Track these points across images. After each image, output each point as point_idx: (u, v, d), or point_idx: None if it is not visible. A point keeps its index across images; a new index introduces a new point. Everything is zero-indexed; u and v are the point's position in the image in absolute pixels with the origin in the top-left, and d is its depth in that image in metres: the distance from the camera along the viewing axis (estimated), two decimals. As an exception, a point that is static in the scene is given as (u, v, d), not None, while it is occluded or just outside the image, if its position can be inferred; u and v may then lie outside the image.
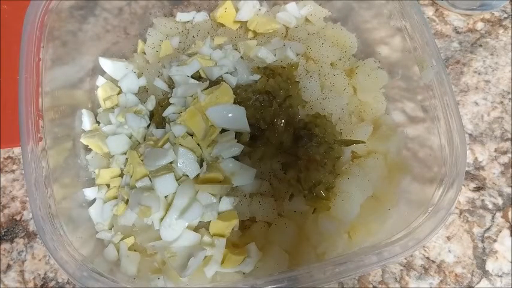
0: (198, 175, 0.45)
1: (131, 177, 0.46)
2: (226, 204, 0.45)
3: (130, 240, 0.45)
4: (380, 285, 0.48)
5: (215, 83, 0.49)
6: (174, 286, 0.42)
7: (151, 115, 0.51)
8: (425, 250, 0.49)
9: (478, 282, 0.48)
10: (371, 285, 0.47)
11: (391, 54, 0.52)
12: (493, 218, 0.51)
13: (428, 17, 0.63)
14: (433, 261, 0.49)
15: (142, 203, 0.44)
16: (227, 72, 0.49)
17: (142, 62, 0.55)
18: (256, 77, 0.49)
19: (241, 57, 0.51)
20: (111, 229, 0.47)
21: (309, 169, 0.46)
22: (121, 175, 0.49)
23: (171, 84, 0.51)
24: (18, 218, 0.51)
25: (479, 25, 0.63)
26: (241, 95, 0.47)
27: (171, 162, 0.45)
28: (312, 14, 0.56)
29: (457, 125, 0.43)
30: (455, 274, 0.48)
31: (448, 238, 0.50)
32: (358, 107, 0.52)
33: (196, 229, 0.45)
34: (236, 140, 0.46)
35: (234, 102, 0.47)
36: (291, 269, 0.42)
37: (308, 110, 0.49)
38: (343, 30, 0.55)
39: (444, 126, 0.43)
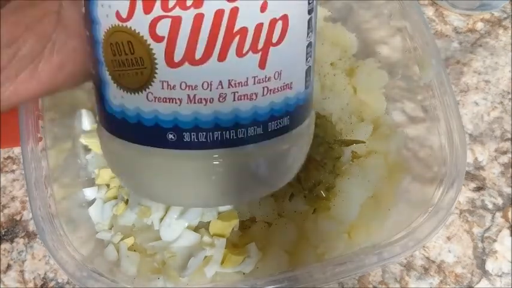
0: (198, 175, 0.45)
1: (131, 177, 0.46)
2: (226, 204, 0.45)
3: (130, 240, 0.45)
4: (380, 285, 0.48)
5: (215, 83, 0.48)
6: (174, 286, 0.42)
7: (151, 115, 0.51)
8: (425, 250, 0.49)
9: (478, 282, 0.48)
10: (371, 285, 0.47)
11: (391, 54, 0.52)
12: (493, 218, 0.51)
13: (428, 17, 0.63)
14: (433, 261, 0.49)
15: (142, 203, 0.44)
16: (227, 72, 0.49)
17: (142, 62, 0.55)
18: (256, 77, 0.49)
19: (241, 57, 0.51)
20: (111, 229, 0.47)
21: (309, 169, 0.46)
22: (121, 175, 0.49)
23: (171, 84, 0.51)
24: (18, 218, 0.51)
25: (479, 25, 0.63)
26: (241, 95, 0.47)
27: (171, 162, 0.45)
28: (312, 14, 0.56)
29: (457, 125, 0.43)
30: (455, 274, 0.48)
31: (448, 238, 0.50)
32: (358, 107, 0.52)
33: (196, 229, 0.45)
34: (236, 140, 0.46)
35: (234, 102, 0.47)
36: (291, 269, 0.41)
37: (308, 110, 0.49)
38: (343, 30, 0.55)
39: (444, 126, 0.43)
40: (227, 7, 0.24)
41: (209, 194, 0.30)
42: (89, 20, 0.26)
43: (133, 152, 0.28)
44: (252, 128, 0.27)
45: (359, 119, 0.52)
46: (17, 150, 0.55)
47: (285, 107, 0.28)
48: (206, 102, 0.25)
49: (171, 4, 0.23)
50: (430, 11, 0.64)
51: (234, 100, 0.26)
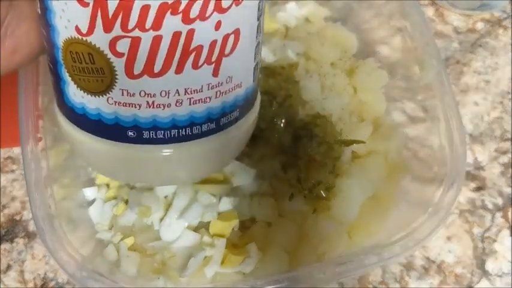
0: (197, 175, 0.45)
1: (131, 177, 0.46)
2: (226, 204, 0.45)
3: (130, 240, 0.45)
4: (380, 285, 0.48)
5: (215, 83, 0.49)
6: (174, 286, 0.42)
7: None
8: (425, 250, 0.49)
9: (478, 282, 0.48)
10: (371, 285, 0.47)
11: (391, 54, 0.52)
12: (493, 218, 0.51)
13: (428, 17, 0.63)
14: (433, 261, 0.49)
15: (142, 203, 0.44)
16: (227, 72, 0.49)
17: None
18: (256, 77, 0.49)
19: (241, 57, 0.51)
20: (111, 229, 0.47)
21: (309, 169, 0.46)
22: (121, 175, 0.49)
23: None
24: (18, 218, 0.51)
25: (479, 25, 0.63)
26: (241, 95, 0.47)
27: (171, 162, 0.45)
28: (312, 14, 0.56)
29: (457, 125, 0.43)
30: (455, 274, 0.48)
31: (448, 238, 0.50)
32: (358, 107, 0.52)
33: (196, 229, 0.45)
34: (236, 140, 0.46)
35: (234, 102, 0.47)
36: (291, 269, 0.41)
37: (308, 110, 0.49)
38: (343, 30, 0.55)
39: (444, 126, 0.43)
40: (184, 29, 0.25)
41: (164, 176, 0.33)
42: (47, 24, 0.26)
43: (92, 141, 0.29)
44: (206, 124, 0.29)
45: (359, 119, 0.52)
46: (17, 150, 0.55)
47: (235, 103, 0.30)
48: (164, 107, 0.27)
49: (130, 26, 0.24)
50: (430, 11, 0.64)
51: (190, 104, 0.27)
